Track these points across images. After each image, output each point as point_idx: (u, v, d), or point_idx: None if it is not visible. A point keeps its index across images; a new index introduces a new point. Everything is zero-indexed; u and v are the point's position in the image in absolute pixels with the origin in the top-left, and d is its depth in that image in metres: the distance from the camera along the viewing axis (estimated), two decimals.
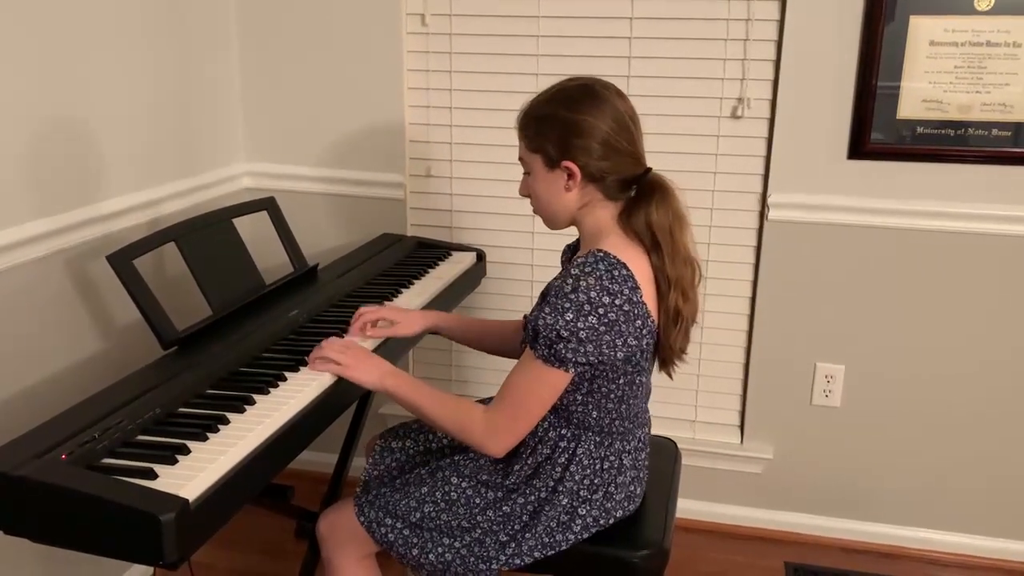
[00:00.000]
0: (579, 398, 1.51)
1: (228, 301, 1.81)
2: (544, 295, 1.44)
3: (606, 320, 1.39)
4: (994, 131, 2.15)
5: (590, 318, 1.38)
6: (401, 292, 2.03)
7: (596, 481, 1.55)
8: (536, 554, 1.53)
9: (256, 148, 2.59)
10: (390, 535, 1.57)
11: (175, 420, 1.39)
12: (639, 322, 1.43)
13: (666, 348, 1.52)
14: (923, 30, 2.12)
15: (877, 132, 2.19)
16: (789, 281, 2.35)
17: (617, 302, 1.40)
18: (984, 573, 2.39)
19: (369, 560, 1.66)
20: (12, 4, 1.72)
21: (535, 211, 1.59)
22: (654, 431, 1.73)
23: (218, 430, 1.34)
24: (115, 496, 1.14)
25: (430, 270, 2.20)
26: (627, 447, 1.58)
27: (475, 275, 2.36)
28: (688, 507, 2.50)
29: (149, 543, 1.11)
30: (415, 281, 2.11)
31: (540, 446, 1.55)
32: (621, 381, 1.50)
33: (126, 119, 2.08)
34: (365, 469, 1.76)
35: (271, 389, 1.49)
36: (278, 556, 2.35)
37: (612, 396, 1.51)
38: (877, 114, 2.17)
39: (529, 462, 1.56)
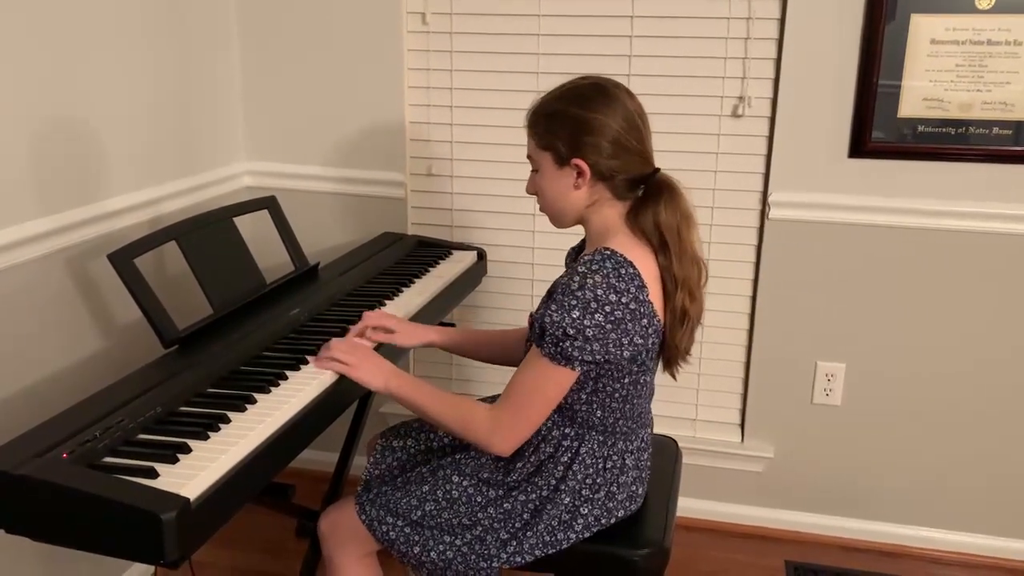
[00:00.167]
0: (583, 397, 1.51)
1: (229, 300, 1.81)
2: (550, 293, 1.44)
3: (612, 318, 1.39)
4: (995, 130, 2.14)
5: (596, 316, 1.38)
6: (402, 291, 2.03)
7: (599, 480, 1.55)
8: (537, 552, 1.53)
9: (257, 147, 2.59)
10: (391, 533, 1.57)
11: (176, 419, 1.39)
12: (645, 321, 1.43)
13: (671, 348, 1.52)
14: (924, 28, 2.11)
15: (878, 131, 2.19)
16: (790, 280, 2.35)
17: (624, 300, 1.40)
18: (985, 572, 2.39)
19: (370, 559, 1.66)
20: (12, 4, 1.72)
21: (541, 209, 1.58)
22: (655, 430, 1.73)
23: (219, 429, 1.34)
24: (116, 495, 1.14)
25: (431, 269, 2.20)
26: (630, 447, 1.58)
27: (476, 274, 2.36)
28: (689, 506, 2.50)
29: (150, 542, 1.11)
30: (416, 280, 2.11)
31: (543, 444, 1.55)
32: (626, 380, 1.50)
33: (127, 118, 2.08)
34: (366, 468, 1.76)
35: (272, 388, 1.49)
36: (279, 555, 2.35)
37: (617, 396, 1.51)
38: (878, 113, 2.17)
39: (532, 460, 1.56)
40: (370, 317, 1.74)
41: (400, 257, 2.28)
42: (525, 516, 1.54)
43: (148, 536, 1.11)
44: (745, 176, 2.33)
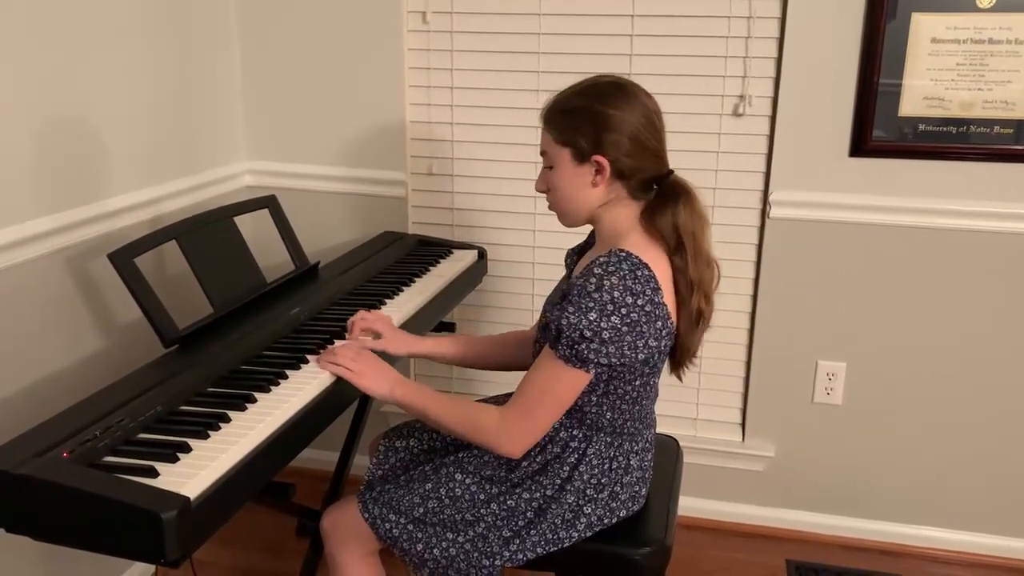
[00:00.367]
0: (594, 399, 1.50)
1: (229, 299, 1.81)
2: (565, 294, 1.43)
3: (628, 320, 1.38)
4: (996, 128, 2.14)
5: (613, 318, 1.37)
6: (402, 290, 2.03)
7: (603, 481, 1.54)
8: (539, 550, 1.53)
9: (257, 146, 2.59)
10: (394, 531, 1.57)
11: (176, 418, 1.39)
12: (659, 323, 1.43)
13: (682, 350, 1.53)
14: (925, 27, 2.11)
15: (879, 130, 2.19)
16: (791, 279, 2.35)
17: (639, 303, 1.39)
18: (985, 571, 2.39)
19: (372, 557, 1.66)
20: (13, 4, 1.71)
21: (551, 207, 1.57)
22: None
23: (219, 428, 1.34)
24: (116, 494, 1.14)
25: (431, 268, 2.20)
26: (635, 448, 1.58)
27: (476, 273, 2.36)
28: (690, 505, 2.50)
29: (150, 541, 1.11)
30: (416, 279, 2.11)
31: (550, 445, 1.55)
32: (637, 383, 1.50)
33: (127, 118, 2.08)
34: (369, 469, 1.76)
35: (272, 387, 1.49)
36: (279, 554, 2.35)
37: (627, 398, 1.51)
38: (879, 112, 2.17)
39: (538, 460, 1.56)
40: (364, 319, 1.72)
41: (401, 256, 2.28)
42: (529, 514, 1.54)
43: (149, 535, 1.11)
44: (746, 175, 2.33)
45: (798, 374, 2.42)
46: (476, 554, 1.53)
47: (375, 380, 1.55)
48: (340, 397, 1.58)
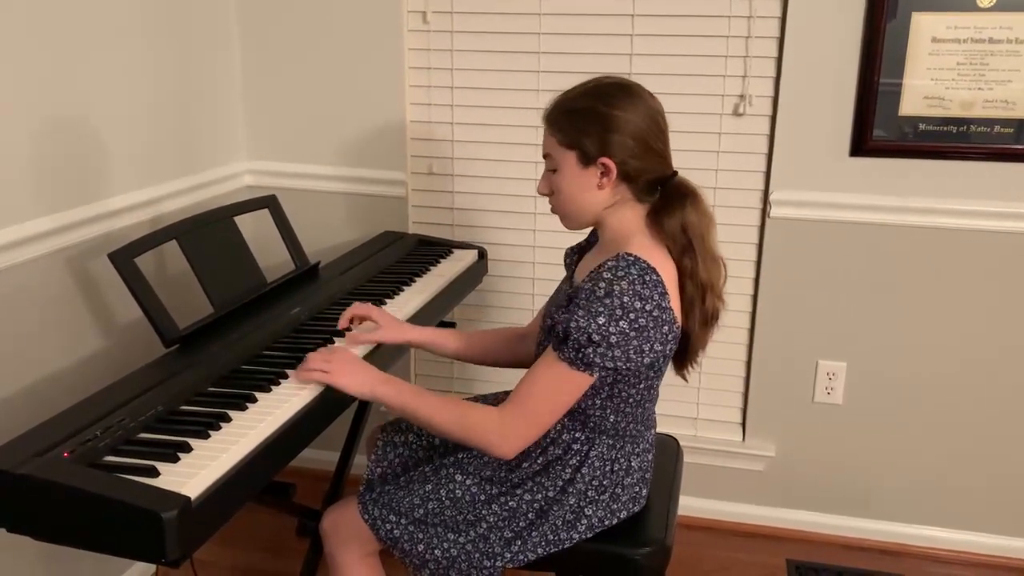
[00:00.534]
0: (598, 402, 1.50)
1: (230, 299, 1.81)
2: (571, 298, 1.42)
3: (636, 325, 1.38)
4: (996, 128, 2.14)
5: (621, 323, 1.37)
6: (403, 290, 2.03)
7: (605, 483, 1.54)
8: (540, 551, 1.53)
9: (257, 146, 2.59)
10: (395, 532, 1.57)
11: (177, 418, 1.39)
12: (666, 328, 1.42)
13: (691, 351, 1.53)
14: (925, 27, 2.11)
15: (879, 129, 2.19)
16: (791, 278, 2.35)
17: (648, 307, 1.39)
18: (985, 570, 2.39)
19: (373, 558, 1.66)
20: (13, 4, 1.71)
21: (554, 209, 1.55)
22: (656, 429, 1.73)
23: (220, 428, 1.34)
24: (117, 494, 1.14)
25: (432, 268, 2.20)
26: (636, 449, 1.58)
27: (477, 273, 2.36)
28: (690, 504, 2.50)
29: (151, 541, 1.11)
30: (417, 279, 2.11)
31: (552, 447, 1.55)
32: (641, 386, 1.50)
33: (127, 118, 2.08)
34: (368, 467, 1.75)
35: (273, 387, 1.49)
36: (280, 554, 2.35)
37: (631, 401, 1.51)
38: (879, 111, 2.17)
39: (539, 461, 1.55)
40: (357, 307, 1.72)
41: (401, 256, 2.28)
42: (530, 516, 1.54)
43: (149, 535, 1.11)
44: (746, 175, 2.33)
45: (798, 374, 2.42)
46: (477, 555, 1.53)
47: (351, 376, 1.49)
48: (341, 396, 1.57)
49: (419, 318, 1.95)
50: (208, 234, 1.84)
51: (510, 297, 2.57)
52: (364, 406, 2.13)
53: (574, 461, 1.53)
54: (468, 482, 1.58)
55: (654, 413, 1.64)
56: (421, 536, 1.55)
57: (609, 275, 1.39)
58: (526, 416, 1.44)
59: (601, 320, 1.36)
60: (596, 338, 1.37)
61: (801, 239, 2.31)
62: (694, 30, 2.26)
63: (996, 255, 2.22)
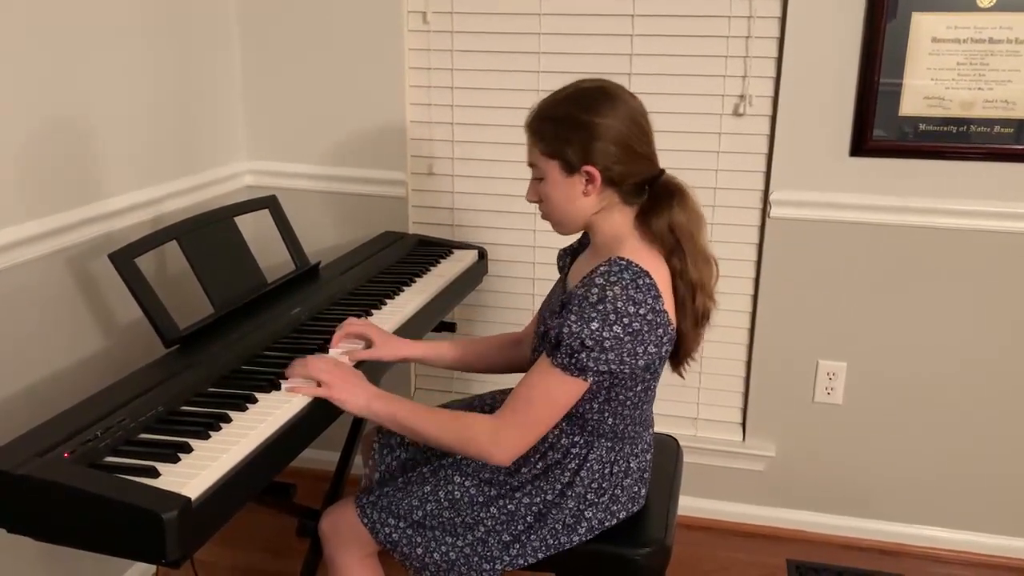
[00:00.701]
0: (596, 406, 1.50)
1: (230, 299, 1.81)
2: (564, 304, 1.42)
3: (630, 330, 1.38)
4: (996, 128, 2.14)
5: (615, 328, 1.37)
6: (402, 290, 2.03)
7: (604, 485, 1.54)
8: (539, 555, 1.53)
9: (258, 146, 2.59)
10: (394, 535, 1.57)
11: (177, 418, 1.39)
12: (660, 331, 1.42)
13: (684, 350, 1.52)
14: (925, 27, 2.11)
15: (879, 129, 2.19)
16: (791, 278, 2.35)
17: (641, 312, 1.38)
18: (985, 570, 2.39)
19: (372, 559, 1.66)
20: (13, 4, 1.71)
21: (544, 216, 1.55)
22: (656, 429, 1.73)
23: (220, 428, 1.34)
24: (117, 494, 1.13)
25: (431, 268, 2.20)
26: (635, 450, 1.58)
27: (477, 273, 2.36)
28: (690, 505, 2.50)
29: (151, 541, 1.11)
30: (416, 279, 2.11)
31: (551, 451, 1.55)
32: (639, 388, 1.50)
33: (127, 118, 2.08)
34: (364, 474, 1.75)
35: (273, 387, 1.49)
36: (280, 554, 2.35)
37: (628, 403, 1.51)
38: (879, 111, 2.17)
39: (538, 465, 1.55)
40: (351, 325, 1.69)
41: (401, 256, 2.28)
42: (529, 519, 1.54)
43: (149, 535, 1.11)
44: (746, 175, 2.33)
45: (798, 374, 2.42)
46: (476, 558, 1.53)
47: (350, 392, 1.48)
48: None
49: (419, 318, 1.95)
50: (208, 234, 1.84)
51: (510, 297, 2.57)
52: None
53: (573, 465, 1.53)
54: (467, 483, 1.57)
55: (652, 413, 1.64)
56: (420, 540, 1.55)
57: (602, 280, 1.39)
58: (521, 424, 1.44)
59: (595, 325, 1.36)
60: (589, 343, 1.36)
61: (801, 239, 2.31)
62: (694, 30, 2.26)
63: (996, 255, 2.22)
